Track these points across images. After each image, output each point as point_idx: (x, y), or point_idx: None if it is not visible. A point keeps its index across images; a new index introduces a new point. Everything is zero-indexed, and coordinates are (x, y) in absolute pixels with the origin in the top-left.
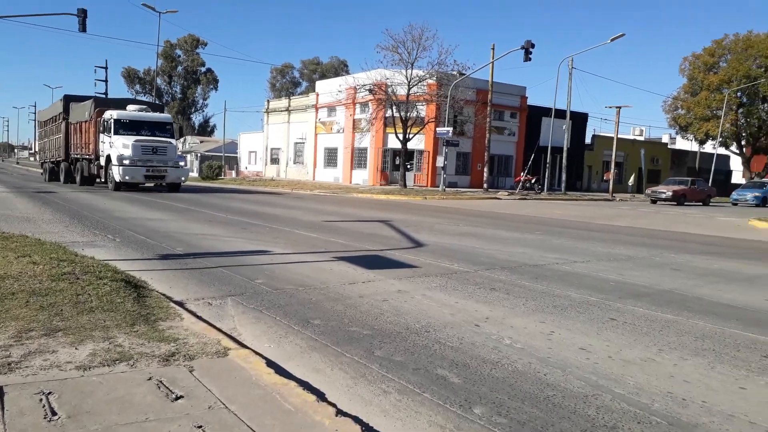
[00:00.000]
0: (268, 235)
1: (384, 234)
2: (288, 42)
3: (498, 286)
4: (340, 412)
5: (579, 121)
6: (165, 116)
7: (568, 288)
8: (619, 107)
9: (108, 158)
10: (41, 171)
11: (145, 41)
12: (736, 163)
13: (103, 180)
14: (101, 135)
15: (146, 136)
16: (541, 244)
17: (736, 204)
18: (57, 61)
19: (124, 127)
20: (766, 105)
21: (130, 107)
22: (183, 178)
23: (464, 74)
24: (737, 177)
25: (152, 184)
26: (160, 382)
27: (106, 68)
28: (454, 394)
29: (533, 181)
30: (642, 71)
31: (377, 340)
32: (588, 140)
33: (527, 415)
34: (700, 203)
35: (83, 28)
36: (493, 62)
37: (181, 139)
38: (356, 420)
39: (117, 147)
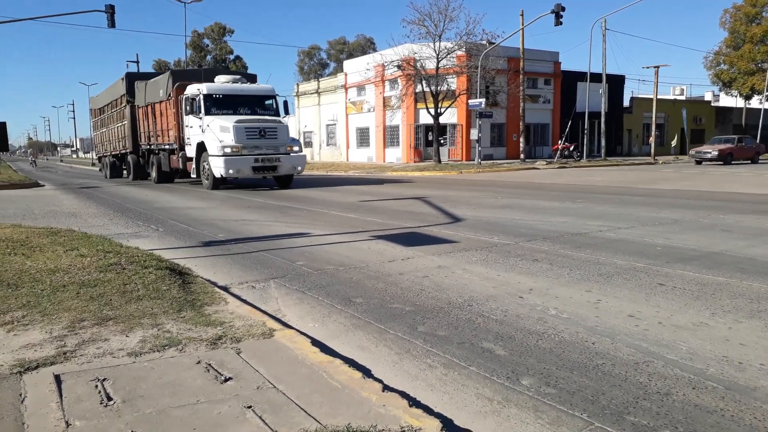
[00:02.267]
0: (306, 218)
1: (421, 211)
2: (314, 23)
3: (540, 257)
4: (386, 388)
5: (616, 84)
6: (266, 87)
7: (613, 255)
8: (657, 67)
9: (200, 147)
10: (99, 167)
11: (173, 32)
12: None
13: (195, 175)
14: (186, 117)
15: (245, 114)
16: (582, 212)
17: None
18: (90, 58)
19: (217, 104)
20: None
21: (220, 78)
22: (299, 168)
23: (494, 43)
24: None
25: (261, 177)
26: (209, 365)
27: (137, 62)
28: (501, 366)
29: (571, 148)
30: (680, 28)
31: (420, 316)
32: (626, 103)
33: (577, 385)
34: (749, 161)
35: (112, 23)
36: (523, 29)
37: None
38: (403, 395)
39: (213, 131)
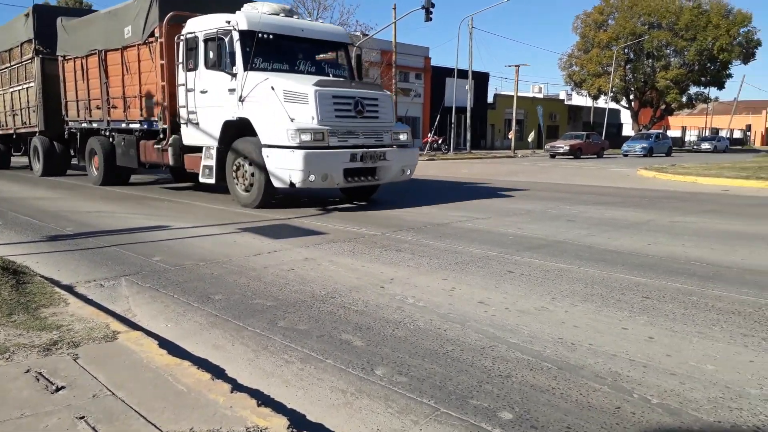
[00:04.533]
0: (168, 210)
1: (292, 201)
2: None
3: (404, 247)
4: (236, 388)
5: (481, 80)
6: (336, 29)
7: (469, 244)
8: (518, 66)
9: (229, 128)
10: None
11: (19, 4)
12: (626, 117)
13: (207, 178)
14: (189, 74)
15: (308, 73)
16: (446, 203)
17: (626, 155)
18: None
19: (266, 52)
20: (650, 61)
21: (259, 6)
22: (409, 172)
23: (367, 35)
24: (627, 129)
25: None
26: (40, 374)
27: None
28: (357, 357)
29: (440, 141)
30: (539, 30)
31: (281, 310)
32: (490, 99)
33: (427, 372)
34: (595, 156)
35: None
36: (395, 22)
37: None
38: (254, 394)
39: (271, 100)
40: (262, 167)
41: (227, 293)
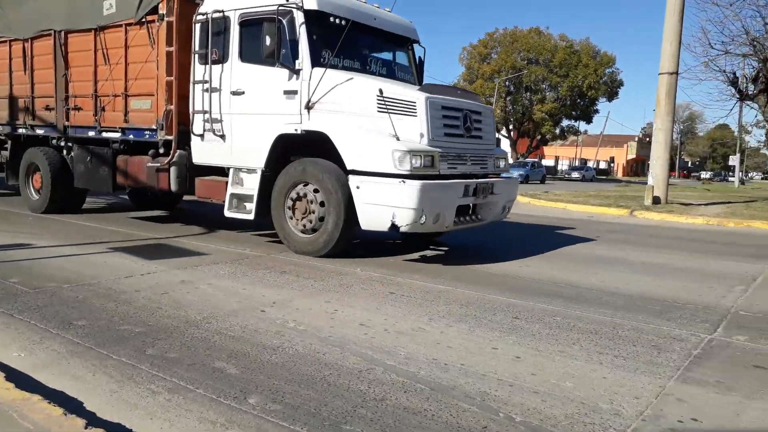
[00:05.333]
0: (31, 226)
1: (174, 220)
2: None
3: (289, 269)
4: (92, 423)
5: None
6: (404, 22)
7: (355, 266)
8: None
9: (282, 143)
10: None
11: None
12: (505, 145)
13: (236, 212)
14: (215, 68)
15: (379, 74)
16: None
17: None
18: None
19: (333, 41)
20: (528, 94)
21: None
22: (508, 209)
23: None
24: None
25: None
26: None
27: None
28: (230, 386)
29: None
30: (428, 59)
31: (151, 337)
32: None
33: (302, 398)
34: None
35: None
36: None
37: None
38: (113, 428)
39: (370, 105)
40: (342, 201)
41: (92, 319)
